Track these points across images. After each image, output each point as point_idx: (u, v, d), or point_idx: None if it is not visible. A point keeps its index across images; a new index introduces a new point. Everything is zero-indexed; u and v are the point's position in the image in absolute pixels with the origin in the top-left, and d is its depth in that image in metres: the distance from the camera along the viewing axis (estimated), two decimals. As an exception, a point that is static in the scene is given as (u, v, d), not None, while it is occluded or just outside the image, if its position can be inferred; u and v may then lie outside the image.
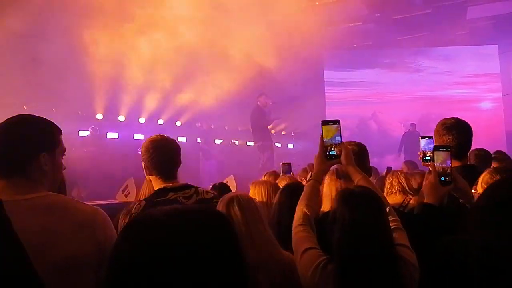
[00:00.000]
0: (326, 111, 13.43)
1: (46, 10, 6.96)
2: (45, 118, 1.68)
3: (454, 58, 13.85)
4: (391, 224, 1.78)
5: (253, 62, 9.18)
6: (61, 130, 1.70)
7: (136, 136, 9.96)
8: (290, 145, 13.42)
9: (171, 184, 2.42)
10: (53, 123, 1.69)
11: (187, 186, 2.46)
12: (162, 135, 2.54)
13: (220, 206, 1.86)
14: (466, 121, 2.81)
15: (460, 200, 2.16)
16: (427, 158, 2.39)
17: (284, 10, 9.60)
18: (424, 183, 2.27)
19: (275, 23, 9.37)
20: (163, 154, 2.43)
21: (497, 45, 13.63)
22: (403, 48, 13.61)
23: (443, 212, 2.05)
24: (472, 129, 2.76)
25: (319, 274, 1.67)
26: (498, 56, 13.72)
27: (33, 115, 1.67)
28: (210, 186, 3.55)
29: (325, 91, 13.85)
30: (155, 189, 2.45)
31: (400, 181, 3.57)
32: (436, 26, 11.50)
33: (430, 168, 2.28)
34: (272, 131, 12.87)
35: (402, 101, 13.78)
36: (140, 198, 2.78)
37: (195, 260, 0.86)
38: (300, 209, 1.97)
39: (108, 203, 5.58)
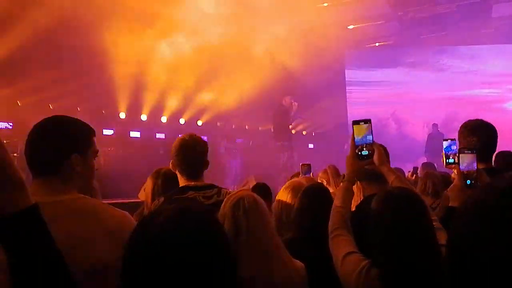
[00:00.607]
0: (347, 111, 13.33)
1: (71, 8, 7.08)
2: (78, 119, 1.70)
3: (478, 57, 13.56)
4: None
5: (275, 61, 9.19)
6: (94, 131, 1.71)
7: (158, 135, 10.07)
8: (310, 145, 13.37)
9: (193, 183, 2.44)
10: (86, 124, 1.70)
11: (210, 186, 2.47)
12: (193, 134, 2.57)
13: (225, 208, 1.82)
14: (491, 122, 2.76)
15: None
16: (450, 160, 2.35)
17: (306, 9, 9.58)
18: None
19: (297, 23, 9.36)
20: (189, 152, 2.45)
21: (523, 44, 13.30)
22: (426, 47, 13.40)
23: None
24: (497, 131, 2.70)
25: (363, 279, 1.66)
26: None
27: (67, 116, 1.69)
28: (243, 185, 3.56)
29: (347, 90, 13.74)
30: (179, 186, 2.48)
31: (434, 182, 3.54)
32: (460, 24, 11.29)
33: (455, 171, 2.25)
34: (293, 131, 12.85)
35: (425, 101, 13.54)
36: (145, 193, 2.85)
37: (183, 274, 0.93)
38: (336, 212, 1.95)
39: (131, 201, 5.65)
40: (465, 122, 2.73)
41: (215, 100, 10.28)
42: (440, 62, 13.75)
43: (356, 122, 2.07)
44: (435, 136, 11.74)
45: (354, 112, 12.99)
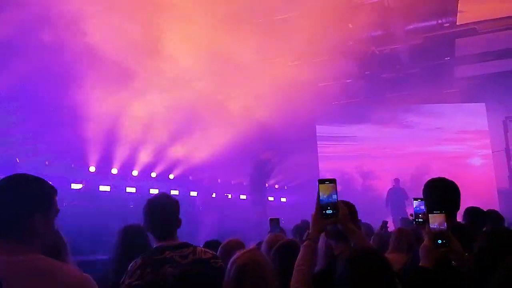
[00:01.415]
0: (318, 165, 13.51)
1: (42, 60, 7.08)
2: (40, 178, 1.68)
3: (443, 115, 14.18)
4: None
5: (250, 116, 9.33)
6: (56, 191, 1.69)
7: (129, 189, 9.91)
8: (283, 199, 13.37)
9: (168, 243, 2.43)
10: (48, 183, 1.69)
11: (184, 245, 2.46)
12: (163, 193, 2.59)
13: (232, 271, 1.80)
14: (457, 177, 2.84)
15: (453, 263, 2.15)
16: (419, 220, 2.39)
17: (280, 66, 9.89)
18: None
19: (271, 79, 9.61)
20: (161, 212, 2.46)
21: (484, 103, 14.02)
22: (393, 105, 13.92)
23: (437, 275, 2.04)
24: (460, 188, 2.77)
25: None
26: (486, 114, 14.07)
27: (28, 175, 1.67)
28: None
29: (318, 145, 14.00)
30: (153, 247, 2.46)
31: (408, 238, 3.56)
32: (424, 84, 11.85)
33: (424, 231, 2.28)
34: (266, 185, 12.89)
35: (393, 157, 13.92)
36: None
37: None
38: (299, 270, 1.95)
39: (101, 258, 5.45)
40: (428, 181, 2.80)
41: (187, 154, 10.27)
42: (407, 119, 14.28)
43: (321, 181, 2.10)
44: (396, 190, 12.03)
45: (325, 166, 13.20)
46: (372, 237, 4.94)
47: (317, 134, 14.10)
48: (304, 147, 12.57)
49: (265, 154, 9.87)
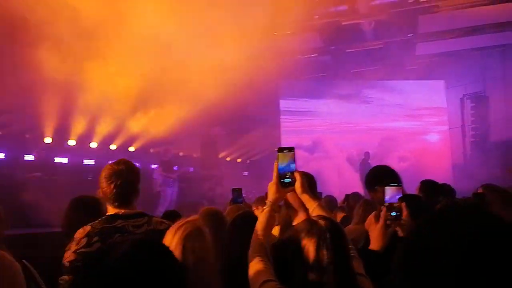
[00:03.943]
0: (281, 140, 13.57)
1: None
2: None
3: (404, 91, 14.47)
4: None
5: (209, 91, 9.17)
6: None
7: (86, 161, 9.64)
8: (245, 173, 13.39)
9: (122, 211, 2.32)
10: None
11: (140, 215, 2.36)
12: (124, 160, 2.44)
13: (175, 238, 1.74)
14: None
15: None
16: (394, 214, 2.31)
17: (242, 39, 9.72)
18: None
19: (233, 52, 9.45)
20: (120, 180, 2.32)
21: (443, 80, 14.38)
22: (357, 80, 14.08)
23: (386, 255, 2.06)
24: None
25: None
26: (444, 91, 14.46)
27: None
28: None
29: (281, 120, 14.03)
30: (106, 215, 2.35)
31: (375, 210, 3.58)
32: (387, 60, 12.00)
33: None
34: (228, 159, 12.86)
35: (356, 132, 14.16)
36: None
37: None
38: (256, 240, 1.91)
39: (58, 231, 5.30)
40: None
41: (149, 126, 10.06)
42: (370, 95, 14.48)
43: (280, 150, 2.07)
44: (365, 164, 12.31)
45: (288, 140, 13.27)
46: (334, 211, 5.01)
47: (280, 109, 14.10)
48: (267, 121, 12.57)
49: (213, 129, 9.83)
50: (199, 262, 1.70)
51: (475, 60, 13.26)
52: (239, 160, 13.42)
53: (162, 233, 1.95)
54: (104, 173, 2.36)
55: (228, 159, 12.95)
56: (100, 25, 7.83)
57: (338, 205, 5.36)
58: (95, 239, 2.20)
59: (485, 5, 9.00)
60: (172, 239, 1.74)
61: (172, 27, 8.44)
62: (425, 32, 10.99)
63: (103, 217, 2.34)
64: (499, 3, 9.04)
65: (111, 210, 2.35)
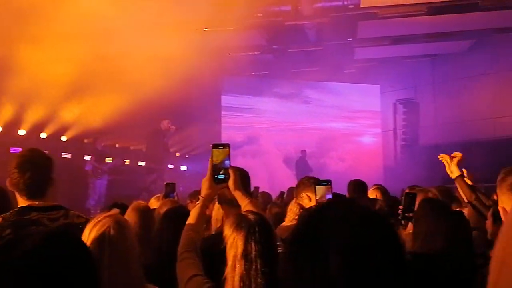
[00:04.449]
0: (221, 135, 13.56)
1: None
2: None
3: (342, 93, 14.97)
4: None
5: (149, 82, 8.98)
6: None
7: (13, 150, 9.12)
8: (183, 167, 13.25)
9: (37, 203, 2.19)
10: None
11: (56, 207, 2.24)
12: (35, 148, 2.31)
13: (91, 235, 1.68)
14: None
15: None
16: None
17: (184, 31, 9.59)
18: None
19: (176, 45, 9.30)
20: (30, 169, 2.18)
21: (379, 85, 15.02)
22: (297, 80, 14.36)
23: None
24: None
25: None
26: (379, 96, 15.10)
27: None
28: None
29: (222, 115, 14.01)
30: (18, 207, 2.21)
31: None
32: (327, 62, 12.32)
33: None
34: (177, 154, 12.73)
35: (294, 130, 14.45)
36: None
37: None
38: (186, 235, 1.92)
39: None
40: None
41: (83, 115, 9.67)
42: (309, 95, 14.84)
43: (215, 146, 2.09)
44: (302, 161, 12.64)
45: (228, 136, 13.30)
46: (268, 206, 5.08)
47: (222, 104, 14.08)
48: (208, 116, 12.52)
49: (162, 122, 9.67)
50: (119, 257, 1.65)
51: (408, 67, 13.95)
52: (177, 154, 13.27)
53: (79, 227, 1.87)
54: (14, 163, 2.20)
55: (177, 154, 12.83)
56: (35, 6, 7.42)
57: (273, 201, 5.46)
58: (7, 231, 2.05)
59: (421, 15, 9.46)
60: (89, 234, 1.69)
61: (113, 13, 8.16)
62: (363, 37, 11.39)
63: (15, 209, 2.19)
64: (433, 15, 9.55)
65: (23, 202, 2.20)
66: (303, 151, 13.06)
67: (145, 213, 2.70)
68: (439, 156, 3.36)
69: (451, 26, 10.68)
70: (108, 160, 10.15)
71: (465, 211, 3.23)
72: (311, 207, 2.18)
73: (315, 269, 0.82)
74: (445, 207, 2.49)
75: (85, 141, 10.62)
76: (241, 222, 1.67)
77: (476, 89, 12.34)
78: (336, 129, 14.74)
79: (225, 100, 14.14)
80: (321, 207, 0.95)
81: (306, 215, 0.93)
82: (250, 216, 1.70)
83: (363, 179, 4.45)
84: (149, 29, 8.76)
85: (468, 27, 10.88)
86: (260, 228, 1.65)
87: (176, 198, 3.51)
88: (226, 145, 2.10)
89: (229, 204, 2.25)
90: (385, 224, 0.90)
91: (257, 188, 6.11)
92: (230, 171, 2.08)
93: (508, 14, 9.85)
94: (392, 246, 0.87)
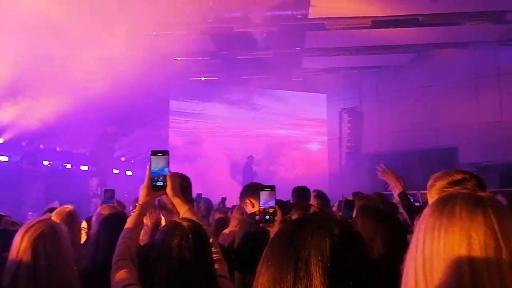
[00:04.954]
0: (169, 140, 13.39)
1: None
2: None
3: (290, 101, 15.22)
4: (213, 256, 1.80)
5: (94, 84, 8.72)
6: None
7: None
8: (128, 172, 12.95)
9: None
10: None
11: None
12: None
13: (23, 241, 1.61)
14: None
15: None
16: (268, 217, 2.39)
17: (133, 33, 9.41)
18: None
19: (124, 47, 9.10)
20: None
21: (325, 94, 15.40)
22: (246, 87, 14.45)
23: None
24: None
25: None
26: (326, 104, 15.48)
27: None
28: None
29: (170, 120, 13.84)
30: None
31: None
32: (276, 70, 12.49)
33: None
34: (122, 159, 12.41)
35: (243, 137, 14.51)
36: None
37: None
38: (122, 242, 1.88)
39: None
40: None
41: (22, 117, 9.23)
42: (258, 102, 14.97)
43: (154, 153, 2.07)
44: (248, 168, 12.72)
45: (176, 141, 13.16)
46: (212, 212, 5.08)
47: (170, 109, 13.91)
48: (155, 120, 12.33)
49: (110, 126, 9.43)
50: (52, 264, 1.60)
51: (354, 77, 14.41)
52: (123, 159, 12.95)
53: (13, 235, 1.81)
54: None
55: (122, 159, 12.49)
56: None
57: (215, 207, 5.45)
58: None
59: (366, 28, 9.81)
60: (21, 241, 1.62)
61: (59, 12, 7.89)
62: (311, 47, 11.65)
63: None
64: (377, 28, 9.93)
65: None
66: (250, 157, 13.16)
67: (70, 217, 2.62)
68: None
69: (393, 40, 11.15)
70: (45, 163, 9.76)
71: None
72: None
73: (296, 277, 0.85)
74: (381, 213, 2.58)
75: (23, 143, 10.13)
76: (175, 229, 1.65)
77: (417, 100, 12.91)
78: (284, 136, 14.95)
79: (174, 104, 13.98)
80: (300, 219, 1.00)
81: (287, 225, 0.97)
82: (184, 223, 1.69)
83: (309, 186, 4.56)
84: (96, 30, 8.52)
85: (409, 42, 11.41)
86: (194, 236, 1.64)
87: (115, 204, 3.43)
88: (165, 152, 2.08)
89: (169, 211, 2.23)
90: (358, 233, 0.97)
91: (199, 195, 6.10)
92: (168, 178, 2.06)
93: (446, 30, 10.44)
94: (364, 251, 0.93)
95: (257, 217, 2.35)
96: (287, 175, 13.67)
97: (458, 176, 2.11)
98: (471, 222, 0.91)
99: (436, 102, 12.59)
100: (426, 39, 11.22)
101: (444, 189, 2.07)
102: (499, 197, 5.63)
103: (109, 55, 8.77)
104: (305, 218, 1.01)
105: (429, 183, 2.20)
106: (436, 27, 10.12)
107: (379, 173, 3.43)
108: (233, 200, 6.06)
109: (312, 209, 2.11)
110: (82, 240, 3.02)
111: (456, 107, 11.99)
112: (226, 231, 4.08)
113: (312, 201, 4.24)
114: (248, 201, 3.12)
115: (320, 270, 0.84)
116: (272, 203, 2.38)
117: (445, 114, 12.28)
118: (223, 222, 4.47)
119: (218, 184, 12.32)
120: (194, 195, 4.32)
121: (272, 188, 2.42)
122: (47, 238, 1.63)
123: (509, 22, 9.84)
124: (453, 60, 12.09)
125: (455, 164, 11.40)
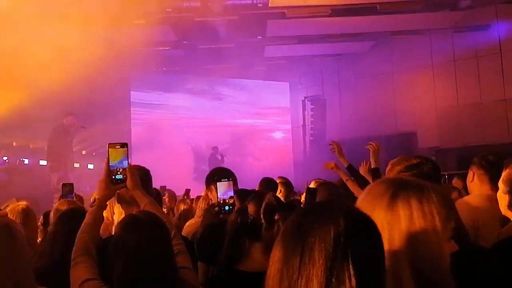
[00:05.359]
0: (131, 132, 13.17)
1: None
2: None
3: (253, 90, 15.23)
4: (175, 248, 1.80)
5: (51, 76, 8.45)
6: None
7: None
8: (90, 166, 12.65)
9: None
10: None
11: None
12: None
13: None
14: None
15: None
16: (228, 208, 2.41)
17: (91, 23, 9.15)
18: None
19: (82, 38, 8.85)
20: None
21: (288, 82, 15.50)
22: (209, 77, 14.34)
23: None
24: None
25: None
26: (289, 93, 15.59)
27: None
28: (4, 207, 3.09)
29: (131, 111, 13.59)
30: None
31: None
32: (238, 59, 12.45)
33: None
34: (83, 152, 12.11)
35: (207, 127, 14.42)
36: None
37: None
38: (80, 237, 1.85)
39: None
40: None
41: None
42: (221, 91, 14.90)
43: (112, 145, 2.02)
44: (213, 158, 12.70)
45: (138, 133, 12.97)
46: (176, 204, 5.06)
47: (131, 100, 13.65)
48: (116, 112, 12.08)
49: (66, 118, 9.16)
50: (5, 263, 1.56)
51: (315, 65, 14.55)
52: (84, 152, 12.63)
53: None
54: None
55: (83, 152, 12.16)
56: None
57: (180, 199, 5.44)
58: None
59: (325, 16, 9.91)
60: None
61: (10, 3, 7.59)
62: (272, 36, 11.67)
63: None
64: (336, 16, 10.05)
65: None
66: (215, 148, 13.12)
67: (25, 213, 2.56)
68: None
69: (353, 28, 11.32)
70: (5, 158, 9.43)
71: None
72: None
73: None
74: (342, 198, 2.65)
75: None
76: (134, 223, 1.64)
77: (378, 87, 13.19)
78: (249, 125, 14.96)
79: (135, 96, 13.73)
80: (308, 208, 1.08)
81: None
82: (142, 216, 1.68)
83: (274, 174, 4.65)
84: (52, 21, 8.24)
85: (368, 29, 11.61)
86: (151, 229, 1.64)
87: (74, 199, 3.37)
88: (124, 144, 2.04)
89: (129, 203, 2.21)
90: (368, 224, 1.03)
91: (163, 187, 6.06)
92: (128, 171, 2.03)
93: (404, 18, 10.67)
94: (372, 242, 1.00)
95: (216, 208, 2.37)
96: (253, 164, 13.72)
97: (414, 161, 2.21)
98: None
99: (395, 88, 12.90)
100: (384, 27, 11.44)
101: (401, 173, 2.17)
102: (455, 180, 5.92)
103: (66, 46, 8.52)
104: (315, 205, 1.09)
105: (387, 168, 2.29)
106: (393, 14, 10.32)
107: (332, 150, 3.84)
108: (197, 191, 6.05)
109: (267, 197, 2.13)
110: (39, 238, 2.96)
111: (414, 93, 12.34)
112: (191, 221, 4.08)
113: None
114: (213, 187, 3.13)
115: (323, 256, 0.91)
116: (231, 193, 2.40)
117: (404, 100, 12.60)
118: (188, 214, 4.46)
119: (182, 176, 12.25)
120: (157, 187, 4.30)
121: (229, 178, 2.44)
122: (1, 238, 1.58)
123: (464, 9, 10.18)
124: (410, 47, 12.40)
125: (415, 149, 11.77)
